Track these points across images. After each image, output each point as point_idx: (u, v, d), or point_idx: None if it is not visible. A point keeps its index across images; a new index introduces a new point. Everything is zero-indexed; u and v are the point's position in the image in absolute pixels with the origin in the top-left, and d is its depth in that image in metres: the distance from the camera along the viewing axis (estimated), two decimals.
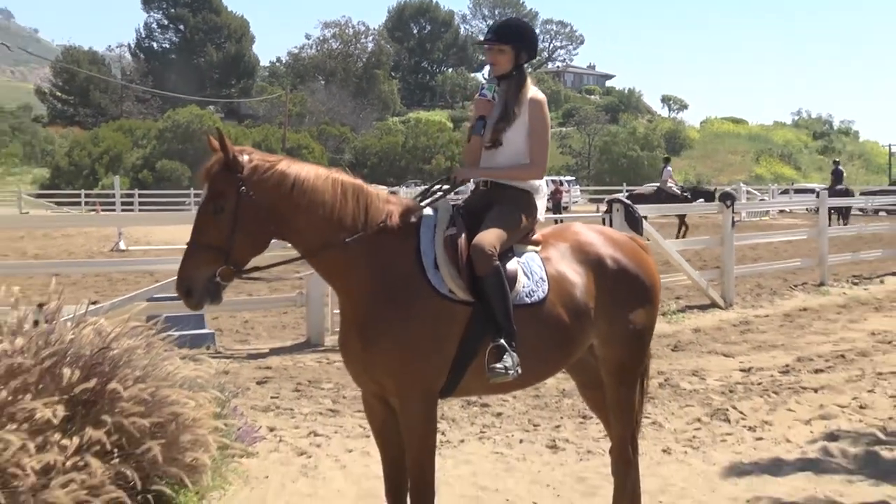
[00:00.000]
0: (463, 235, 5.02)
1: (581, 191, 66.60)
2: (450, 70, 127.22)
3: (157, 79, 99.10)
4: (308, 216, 4.81)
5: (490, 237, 4.99)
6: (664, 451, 7.76)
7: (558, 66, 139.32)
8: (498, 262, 4.92)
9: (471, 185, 5.61)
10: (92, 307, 6.75)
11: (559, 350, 5.28)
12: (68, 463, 5.06)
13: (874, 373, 10.55)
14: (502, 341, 4.85)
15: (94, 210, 50.84)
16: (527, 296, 5.06)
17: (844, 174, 39.56)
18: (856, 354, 11.69)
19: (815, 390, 9.77)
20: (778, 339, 12.95)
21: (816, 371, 10.77)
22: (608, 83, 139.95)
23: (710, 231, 25.65)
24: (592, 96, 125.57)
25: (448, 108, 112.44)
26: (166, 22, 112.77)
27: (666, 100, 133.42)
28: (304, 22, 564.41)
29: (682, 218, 28.06)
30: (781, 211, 43.63)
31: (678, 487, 6.93)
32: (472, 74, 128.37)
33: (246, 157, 4.76)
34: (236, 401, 7.78)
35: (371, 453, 7.57)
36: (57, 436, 5.15)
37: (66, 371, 5.55)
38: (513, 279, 5.03)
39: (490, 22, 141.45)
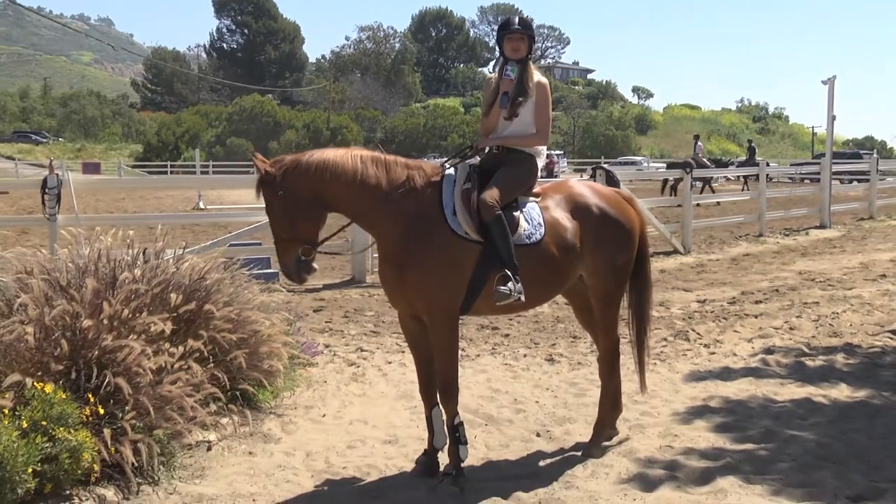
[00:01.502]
0: (476, 189, 5.07)
1: (567, 162, 66.09)
2: (461, 65, 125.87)
3: (227, 72, 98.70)
4: (339, 187, 4.87)
5: (494, 192, 5.04)
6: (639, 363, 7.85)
7: (549, 63, 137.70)
8: (500, 212, 4.98)
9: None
10: (185, 249, 6.82)
11: (553, 280, 5.33)
12: (175, 365, 5.18)
13: (801, 303, 10.58)
14: (507, 271, 4.94)
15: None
16: (527, 237, 5.12)
17: (757, 150, 39.66)
18: (787, 289, 11.71)
19: (756, 316, 9.82)
20: (726, 278, 12.96)
21: (756, 302, 10.82)
22: (589, 76, 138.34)
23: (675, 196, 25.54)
24: (576, 87, 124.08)
25: (460, 97, 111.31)
26: (234, 27, 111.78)
27: (636, 90, 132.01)
28: (344, 26, 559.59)
29: (707, 181, 27.51)
30: (727, 178, 43.25)
31: (649, 390, 6.98)
32: (480, 69, 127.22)
33: (275, 168, 4.82)
34: (299, 323, 7.85)
35: (406, 364, 7.70)
36: (166, 345, 5.27)
37: (173, 295, 5.68)
38: (515, 224, 5.09)
39: (496, 28, 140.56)
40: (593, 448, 5.55)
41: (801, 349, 8.22)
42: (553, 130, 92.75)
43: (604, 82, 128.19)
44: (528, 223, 5.19)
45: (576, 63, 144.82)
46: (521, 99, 5.33)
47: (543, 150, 5.55)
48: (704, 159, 29.98)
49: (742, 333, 9.00)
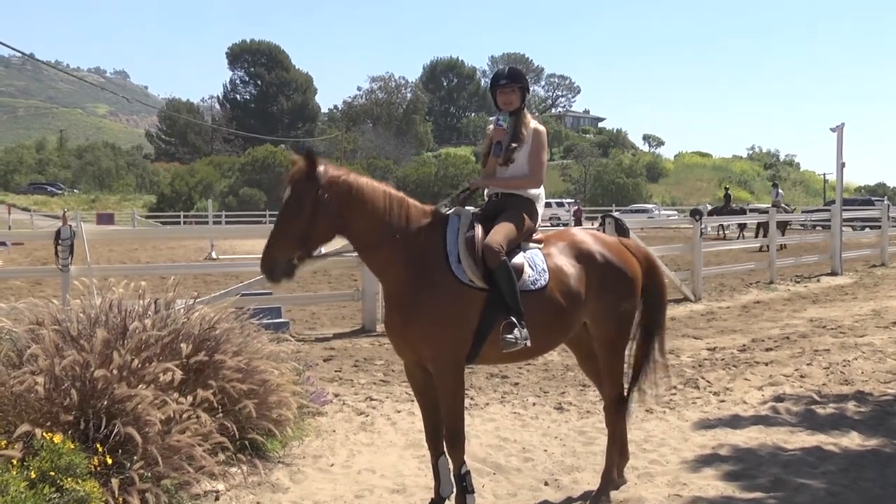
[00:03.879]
0: (479, 235, 5.07)
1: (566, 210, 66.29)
2: (473, 114, 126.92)
3: (240, 123, 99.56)
4: (365, 218, 4.89)
5: (498, 237, 5.05)
6: (647, 411, 7.78)
7: (560, 111, 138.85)
8: (505, 258, 4.99)
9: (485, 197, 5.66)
10: (196, 299, 6.89)
11: (558, 326, 5.30)
12: (185, 415, 5.20)
13: (812, 350, 10.53)
14: (513, 318, 4.92)
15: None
16: (532, 283, 5.11)
17: (731, 197, 41.36)
18: (798, 336, 11.65)
19: (766, 364, 9.78)
20: (737, 325, 12.92)
21: (767, 349, 10.77)
22: (600, 124, 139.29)
23: (683, 240, 25.61)
24: (587, 135, 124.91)
25: (471, 145, 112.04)
26: (247, 78, 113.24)
27: (647, 137, 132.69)
28: (356, 76, 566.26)
29: (763, 225, 28.55)
30: (739, 225, 43.24)
31: (658, 438, 6.98)
32: (491, 118, 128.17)
33: (323, 168, 4.81)
34: (309, 372, 7.86)
35: (415, 413, 7.67)
36: (176, 394, 5.29)
37: (183, 345, 5.72)
38: (519, 270, 5.08)
39: None
40: (601, 497, 5.51)
41: (812, 397, 8.17)
42: (564, 178, 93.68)
43: (614, 130, 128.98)
44: (533, 269, 5.18)
45: (586, 111, 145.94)
46: (514, 145, 5.39)
47: (541, 193, 5.57)
48: (783, 205, 31.62)
49: (752, 381, 8.96)
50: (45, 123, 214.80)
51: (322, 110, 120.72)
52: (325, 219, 4.79)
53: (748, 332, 12.29)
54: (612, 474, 5.69)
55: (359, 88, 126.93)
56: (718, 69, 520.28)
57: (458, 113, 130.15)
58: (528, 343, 4.97)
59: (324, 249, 5.19)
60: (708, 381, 8.94)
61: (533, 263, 5.21)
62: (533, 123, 5.47)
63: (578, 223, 38.49)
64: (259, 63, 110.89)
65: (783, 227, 28.77)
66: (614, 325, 5.53)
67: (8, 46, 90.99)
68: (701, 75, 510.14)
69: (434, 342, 4.91)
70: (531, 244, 5.35)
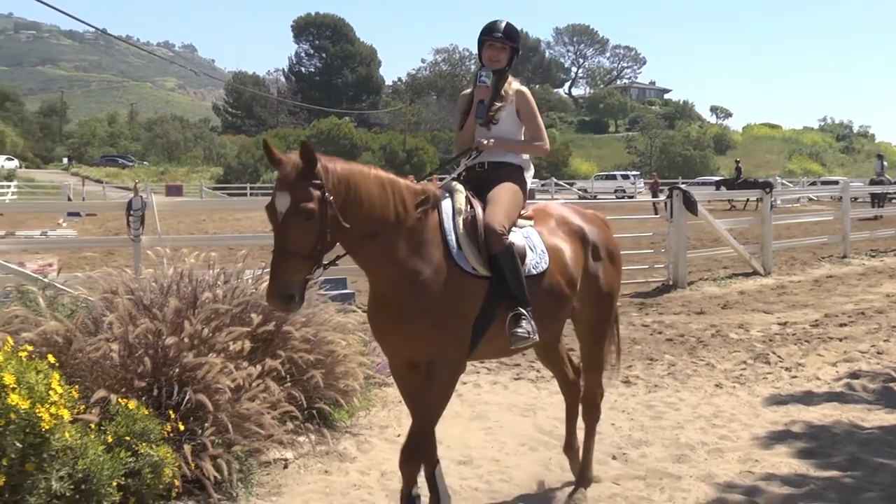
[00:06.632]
0: (480, 216, 4.46)
1: (644, 183, 65.39)
2: (536, 86, 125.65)
3: (305, 96, 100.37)
4: (362, 212, 4.08)
5: (499, 217, 4.46)
6: (717, 385, 7.69)
7: (625, 83, 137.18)
8: (509, 240, 4.41)
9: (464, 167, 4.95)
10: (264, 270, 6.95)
11: (559, 312, 4.80)
12: (253, 384, 5.28)
13: (889, 326, 10.25)
14: (520, 309, 4.34)
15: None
16: (533, 268, 4.53)
17: (742, 169, 42.08)
18: (874, 312, 11.35)
19: (840, 339, 9.55)
20: (808, 300, 12.61)
21: (841, 325, 10.50)
22: (666, 96, 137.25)
23: (753, 213, 25.17)
24: (653, 107, 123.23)
25: None
26: (312, 51, 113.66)
27: (714, 109, 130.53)
28: (420, 48, 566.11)
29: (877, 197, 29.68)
30: (810, 199, 42.28)
31: (728, 413, 6.87)
32: (555, 90, 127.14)
33: (322, 164, 3.97)
34: (375, 343, 7.91)
35: (481, 385, 7.71)
36: (245, 363, 5.37)
37: (253, 315, 5.79)
38: (522, 254, 4.49)
39: (571, 49, 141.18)
40: (576, 496, 5.08)
41: (890, 374, 7.95)
42: (630, 151, 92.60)
43: (681, 102, 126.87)
44: (533, 251, 4.59)
45: (652, 83, 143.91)
46: (498, 105, 4.88)
47: (529, 161, 5.08)
48: (885, 176, 32.84)
49: (826, 357, 8.76)
50: (117, 97, 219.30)
51: (386, 83, 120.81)
52: (335, 223, 3.94)
53: (820, 306, 12.00)
54: (590, 471, 5.31)
55: (423, 60, 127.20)
56: (790, 37, 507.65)
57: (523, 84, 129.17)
58: (538, 337, 4.41)
59: None
60: (779, 357, 8.76)
61: (532, 244, 4.63)
62: (516, 84, 4.97)
63: (655, 196, 38.00)
64: (324, 36, 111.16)
65: (882, 199, 29.30)
66: (598, 307, 5.05)
67: (82, 22, 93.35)
68: (771, 45, 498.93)
69: (435, 340, 4.23)
70: (523, 221, 4.77)
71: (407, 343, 4.33)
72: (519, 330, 4.31)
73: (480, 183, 4.74)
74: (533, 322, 4.35)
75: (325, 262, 4.09)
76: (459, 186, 4.61)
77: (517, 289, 4.35)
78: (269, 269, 3.99)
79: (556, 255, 4.70)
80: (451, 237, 4.33)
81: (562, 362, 5.53)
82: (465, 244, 4.33)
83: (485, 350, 4.52)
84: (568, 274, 4.73)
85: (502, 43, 4.94)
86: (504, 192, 4.66)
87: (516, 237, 4.53)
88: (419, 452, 4.39)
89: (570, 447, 5.49)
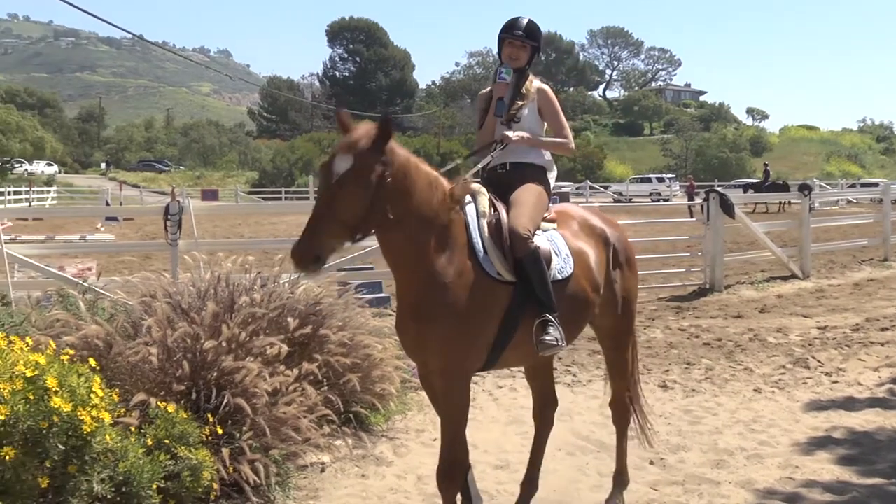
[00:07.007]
0: (505, 220, 4.30)
1: (679, 185, 64.91)
2: (571, 89, 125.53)
3: (339, 100, 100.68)
4: (406, 203, 3.95)
5: (523, 220, 4.31)
6: (755, 390, 7.61)
7: (660, 85, 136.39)
8: (535, 245, 4.26)
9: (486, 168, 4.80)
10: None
11: (583, 318, 4.65)
12: (290, 387, 5.30)
13: None
14: (548, 315, 4.19)
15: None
16: (559, 273, 4.38)
17: (771, 173, 42.33)
18: None
19: (882, 344, 9.41)
20: (849, 304, 12.44)
21: (882, 329, 10.34)
22: (701, 98, 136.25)
23: (791, 216, 24.89)
24: (689, 109, 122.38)
25: (570, 120, 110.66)
26: (346, 55, 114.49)
27: (750, 111, 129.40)
28: (454, 52, 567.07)
29: None
30: (849, 201, 41.72)
31: (767, 419, 6.79)
32: (589, 92, 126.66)
33: (393, 146, 3.91)
34: None
35: (518, 389, 7.68)
36: (282, 367, 5.40)
37: (290, 320, 5.82)
38: (548, 259, 4.33)
39: (605, 51, 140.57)
40: (614, 501, 5.03)
41: None
42: (665, 153, 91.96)
43: (716, 104, 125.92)
44: (558, 255, 4.44)
45: (687, 85, 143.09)
46: (520, 102, 4.75)
47: (552, 160, 4.92)
48: None
49: (867, 362, 8.63)
50: (153, 102, 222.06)
51: (420, 86, 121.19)
52: (383, 202, 3.82)
53: (861, 310, 11.83)
54: (626, 474, 5.20)
55: (457, 64, 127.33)
56: (827, 38, 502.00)
57: (557, 87, 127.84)
58: (566, 343, 4.26)
59: None
60: (819, 361, 8.65)
61: (557, 249, 4.48)
62: (537, 82, 4.85)
63: (691, 199, 37.76)
64: (358, 40, 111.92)
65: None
66: (619, 313, 4.89)
67: (120, 28, 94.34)
68: (809, 45, 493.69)
69: (449, 352, 4.06)
70: (546, 224, 4.62)
71: (421, 347, 4.19)
72: (547, 337, 4.17)
73: (501, 184, 4.62)
74: (560, 329, 4.20)
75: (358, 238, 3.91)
76: (482, 188, 4.45)
77: (544, 294, 4.21)
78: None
79: (580, 259, 4.56)
80: (477, 241, 4.18)
81: (547, 382, 5.22)
82: (491, 248, 4.19)
83: (511, 357, 4.37)
84: (592, 278, 4.60)
85: (522, 41, 4.80)
86: (528, 194, 4.53)
87: (541, 241, 4.39)
88: (453, 472, 4.23)
89: (529, 480, 5.05)
